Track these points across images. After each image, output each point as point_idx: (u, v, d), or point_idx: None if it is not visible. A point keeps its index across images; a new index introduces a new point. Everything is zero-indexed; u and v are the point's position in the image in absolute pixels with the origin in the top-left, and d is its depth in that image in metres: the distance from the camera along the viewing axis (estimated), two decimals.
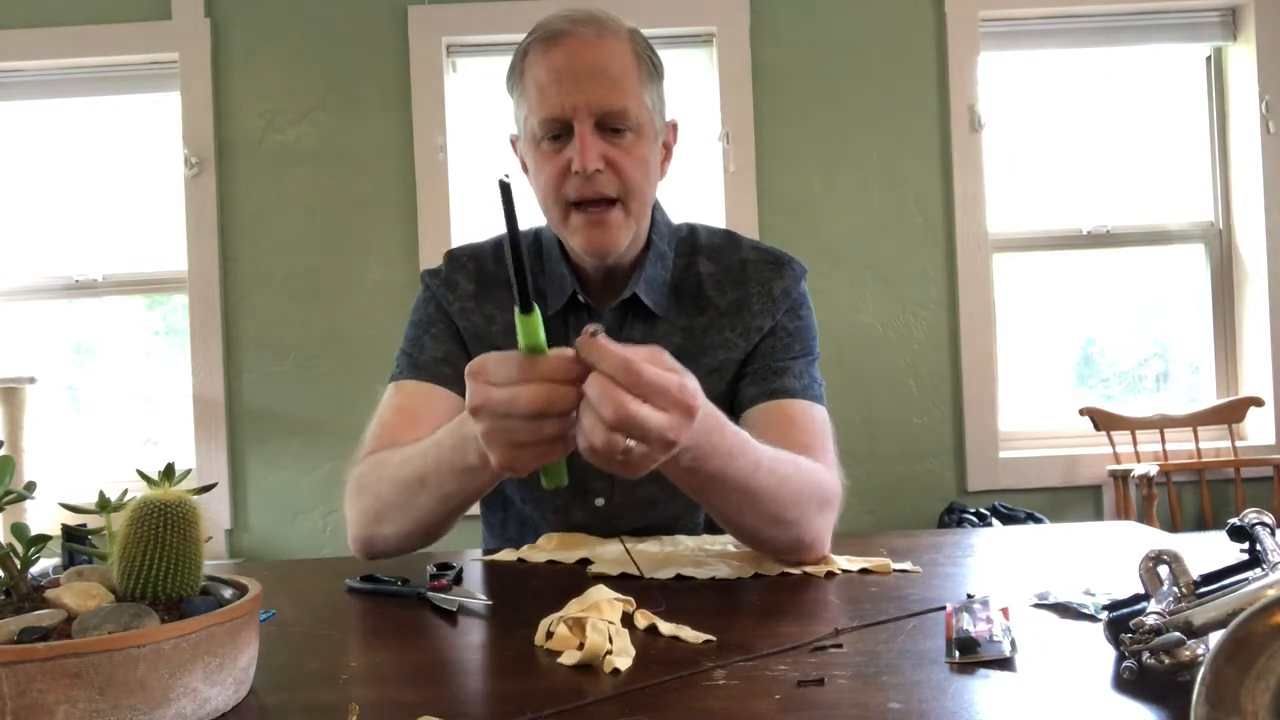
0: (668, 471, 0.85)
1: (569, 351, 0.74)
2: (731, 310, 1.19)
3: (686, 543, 1.11)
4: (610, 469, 0.75)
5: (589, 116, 1.05)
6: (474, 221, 2.92)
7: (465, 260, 1.23)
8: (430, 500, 0.97)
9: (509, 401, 0.73)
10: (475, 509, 1.32)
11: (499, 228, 1.28)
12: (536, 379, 0.73)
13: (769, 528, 0.95)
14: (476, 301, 1.20)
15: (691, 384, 0.75)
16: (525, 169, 1.17)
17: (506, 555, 1.09)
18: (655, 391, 0.72)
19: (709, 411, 0.80)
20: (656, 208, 1.23)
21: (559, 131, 1.07)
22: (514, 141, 1.19)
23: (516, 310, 0.72)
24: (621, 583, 0.93)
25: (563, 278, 1.18)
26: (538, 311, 0.73)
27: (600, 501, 1.19)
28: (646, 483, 1.16)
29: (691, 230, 1.26)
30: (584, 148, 1.05)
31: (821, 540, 1.00)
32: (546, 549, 1.10)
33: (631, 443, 0.72)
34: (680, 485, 0.91)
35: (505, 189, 0.69)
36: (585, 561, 1.04)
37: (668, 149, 1.20)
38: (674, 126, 1.21)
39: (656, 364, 0.73)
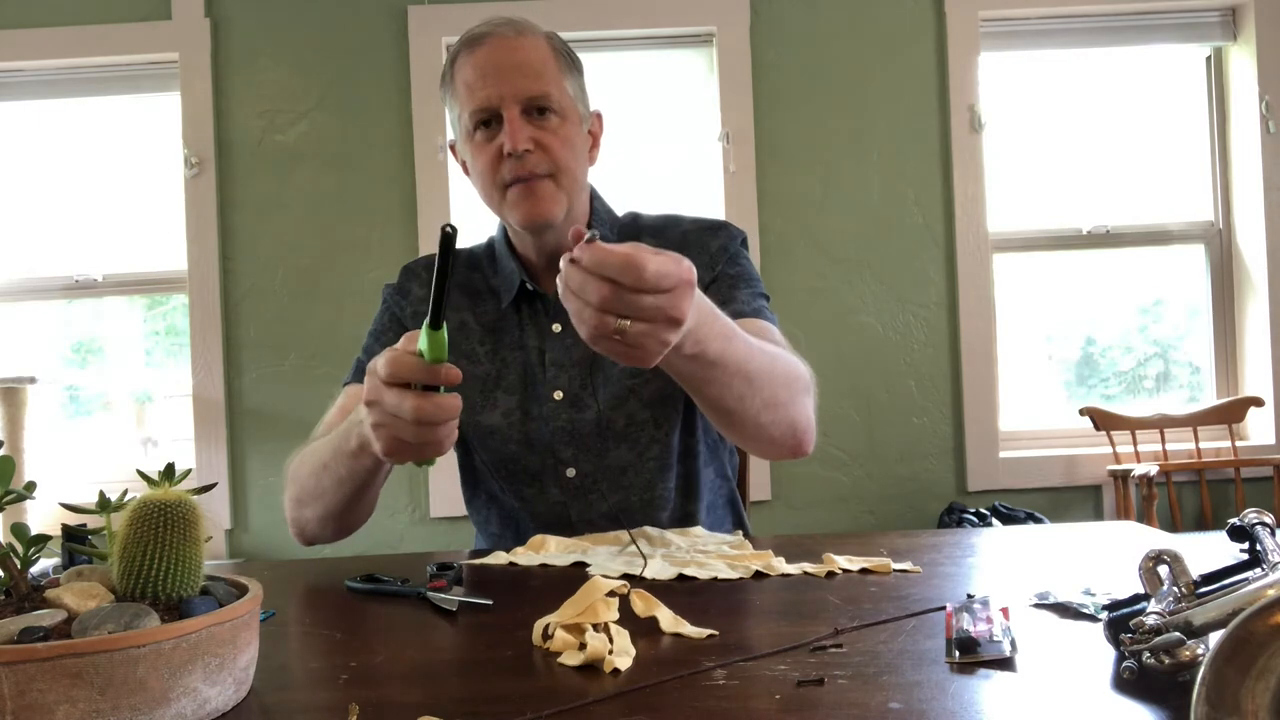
0: (674, 367, 0.89)
1: (456, 373, 0.83)
2: None
3: (679, 542, 1.11)
4: (620, 356, 0.79)
5: (515, 103, 1.14)
6: (474, 221, 2.92)
7: (419, 270, 1.33)
8: (331, 483, 1.07)
9: (397, 405, 0.83)
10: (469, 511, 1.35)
11: (491, 227, 1.32)
12: (414, 379, 0.82)
13: (768, 413, 1.00)
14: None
15: (687, 261, 0.78)
16: (466, 170, 1.24)
17: (497, 558, 1.08)
18: (658, 280, 0.75)
19: (701, 295, 0.84)
20: (597, 198, 1.30)
21: (488, 119, 1.16)
22: (452, 147, 1.27)
23: (426, 324, 0.80)
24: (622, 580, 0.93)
25: (512, 272, 1.26)
26: (445, 329, 0.81)
27: (571, 472, 1.23)
28: (614, 447, 1.22)
29: (635, 217, 1.33)
30: (513, 130, 1.13)
31: (811, 425, 1.07)
32: (539, 553, 1.09)
33: (625, 322, 0.75)
34: (686, 381, 0.94)
35: (448, 238, 0.76)
36: (580, 564, 1.04)
37: (594, 138, 1.26)
38: (599, 116, 1.27)
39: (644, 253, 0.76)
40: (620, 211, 1.34)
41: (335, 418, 1.21)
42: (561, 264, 0.77)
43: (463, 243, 1.36)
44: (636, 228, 1.30)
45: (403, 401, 0.83)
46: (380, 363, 0.85)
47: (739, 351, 0.92)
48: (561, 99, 1.16)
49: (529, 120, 1.14)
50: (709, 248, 1.25)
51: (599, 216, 1.28)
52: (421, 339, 0.82)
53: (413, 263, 1.35)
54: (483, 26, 1.17)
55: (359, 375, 1.26)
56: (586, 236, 0.76)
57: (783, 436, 1.04)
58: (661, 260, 0.75)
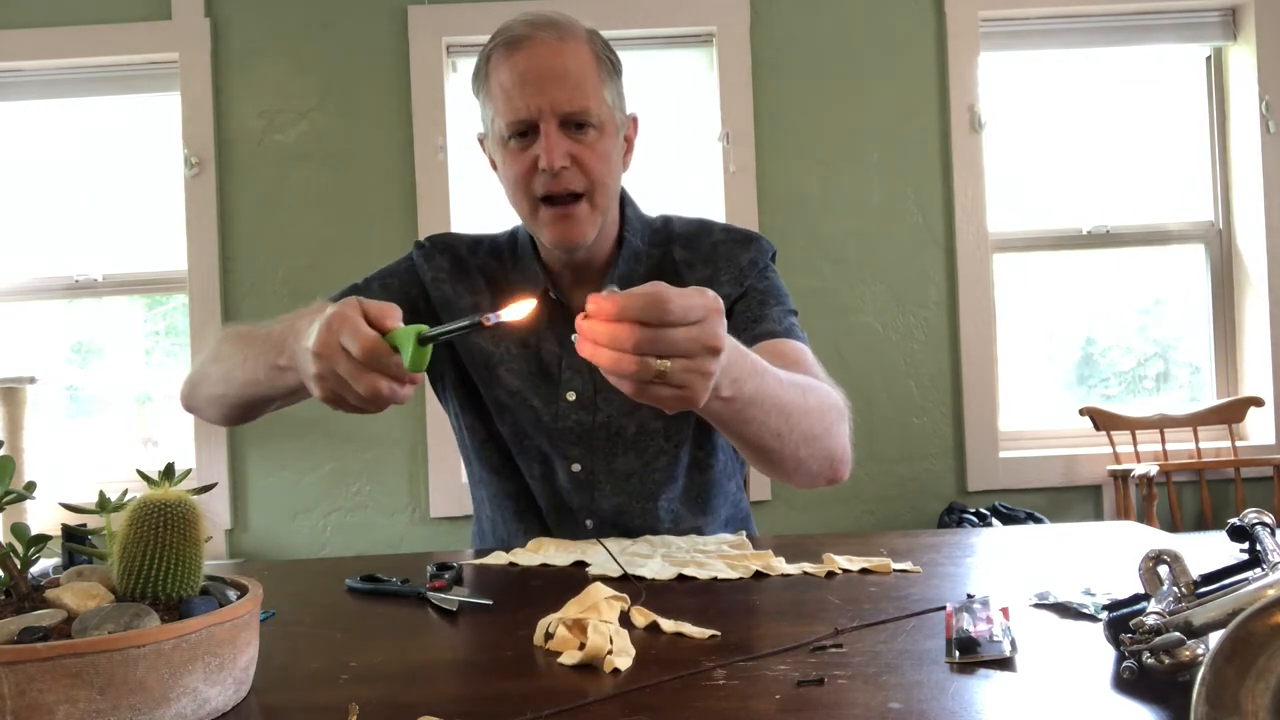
0: (712, 411, 0.85)
1: (417, 379, 0.82)
2: (702, 285, 1.20)
3: (678, 543, 1.11)
4: (667, 401, 0.75)
5: (553, 116, 1.10)
6: (474, 221, 2.92)
7: (444, 245, 1.32)
8: (243, 376, 1.05)
9: (352, 376, 0.81)
10: (470, 509, 1.36)
11: (493, 227, 1.31)
12: (384, 372, 0.80)
13: (807, 447, 0.97)
14: (449, 277, 1.28)
15: (711, 291, 0.75)
16: (494, 166, 1.22)
17: (497, 558, 1.09)
18: (685, 312, 0.72)
19: (729, 342, 0.80)
20: (629, 203, 1.28)
21: (525, 130, 1.12)
22: (481, 140, 1.24)
23: (417, 337, 0.78)
24: (622, 584, 0.93)
25: (536, 275, 1.23)
26: (429, 350, 0.79)
27: (577, 468, 1.23)
28: (621, 453, 1.22)
29: (666, 221, 1.30)
30: (549, 146, 1.10)
31: (848, 452, 1.04)
32: (538, 553, 1.10)
33: (666, 362, 0.72)
34: (725, 424, 0.90)
35: (483, 329, 0.76)
36: (581, 564, 1.04)
37: (629, 142, 1.24)
38: (634, 120, 1.25)
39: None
40: (649, 213, 1.32)
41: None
42: (579, 324, 0.73)
43: (459, 230, 1.37)
44: (668, 233, 1.28)
45: (359, 377, 0.80)
46: (352, 340, 0.80)
47: (772, 386, 0.89)
48: (600, 110, 1.13)
49: (566, 134, 1.11)
50: (739, 261, 1.23)
51: (631, 225, 1.25)
52: (406, 345, 0.78)
53: (438, 236, 1.32)
54: (521, 26, 1.12)
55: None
56: (604, 293, 0.73)
57: (820, 469, 1.01)
58: (684, 293, 0.73)
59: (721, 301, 0.75)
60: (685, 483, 1.25)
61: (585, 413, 1.21)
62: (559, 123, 1.10)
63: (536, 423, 1.22)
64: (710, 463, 1.26)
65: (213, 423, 1.19)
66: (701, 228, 1.28)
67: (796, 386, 0.95)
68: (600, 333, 0.72)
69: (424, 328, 0.78)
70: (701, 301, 0.74)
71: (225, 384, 1.09)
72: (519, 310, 0.77)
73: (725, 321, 0.76)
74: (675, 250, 1.25)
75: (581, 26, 1.15)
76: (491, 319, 0.75)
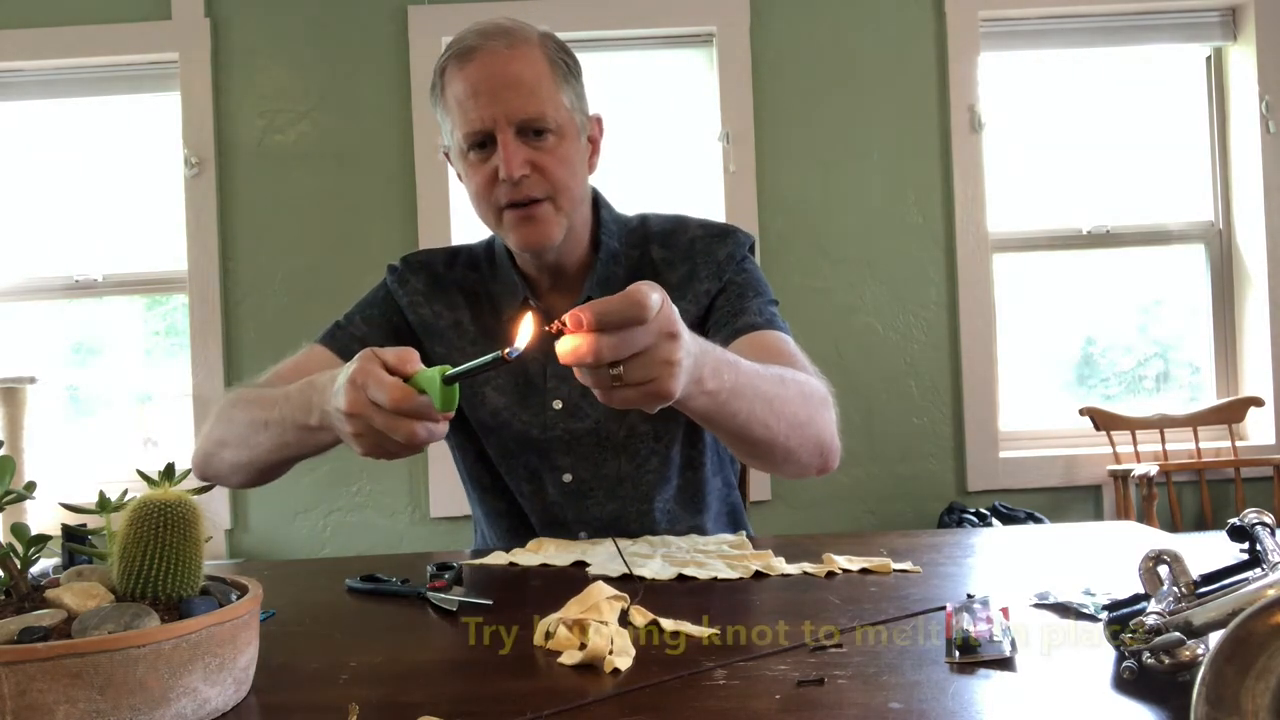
0: (698, 407, 0.85)
1: (449, 416, 0.81)
2: (682, 283, 1.22)
3: (678, 543, 1.11)
4: (637, 400, 0.75)
5: (508, 125, 1.10)
6: (473, 220, 2.92)
7: (418, 265, 1.31)
8: (269, 443, 1.05)
9: (389, 428, 0.81)
10: (469, 510, 1.36)
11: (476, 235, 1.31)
12: (417, 417, 0.80)
13: (795, 434, 0.97)
14: (426, 298, 1.28)
15: (645, 286, 0.72)
16: (460, 178, 1.21)
17: (497, 558, 1.09)
18: (661, 305, 0.72)
19: (688, 331, 0.79)
20: (603, 205, 1.27)
21: (483, 141, 1.12)
22: (446, 154, 1.23)
23: (443, 378, 0.78)
24: (622, 584, 0.93)
25: (514, 284, 1.23)
26: (457, 386, 0.79)
27: (568, 478, 1.22)
28: (612, 458, 1.22)
29: (643, 220, 1.29)
30: (507, 156, 1.09)
31: (836, 440, 1.04)
32: (538, 553, 1.10)
33: (619, 366, 0.72)
34: (713, 419, 0.89)
35: (505, 361, 0.75)
36: (581, 564, 1.04)
37: (594, 143, 1.23)
38: (598, 120, 1.23)
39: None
40: (626, 213, 1.31)
41: (289, 371, 1.17)
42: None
43: (457, 231, 1.37)
44: (645, 231, 1.27)
45: (395, 426, 0.81)
46: (380, 392, 0.80)
47: (750, 375, 0.90)
48: (558, 115, 1.12)
49: (524, 141, 1.10)
50: (716, 256, 1.23)
51: (606, 228, 1.24)
52: (433, 387, 0.79)
53: (412, 255, 1.33)
54: (473, 37, 1.11)
55: (331, 339, 1.25)
56: (555, 326, 0.72)
57: (810, 457, 1.01)
58: (647, 290, 0.71)
59: (655, 289, 0.73)
60: (679, 482, 1.25)
61: (573, 420, 1.21)
62: (516, 131, 1.10)
63: (524, 436, 1.21)
64: (702, 460, 1.26)
65: (234, 488, 1.19)
66: (678, 224, 1.28)
67: (775, 376, 0.95)
68: (564, 348, 0.72)
69: (447, 368, 0.79)
70: (657, 295, 0.73)
71: (250, 450, 1.08)
72: (527, 332, 0.75)
73: (666, 302, 0.75)
74: (653, 249, 1.25)
75: (534, 31, 1.14)
76: (513, 353, 0.74)
